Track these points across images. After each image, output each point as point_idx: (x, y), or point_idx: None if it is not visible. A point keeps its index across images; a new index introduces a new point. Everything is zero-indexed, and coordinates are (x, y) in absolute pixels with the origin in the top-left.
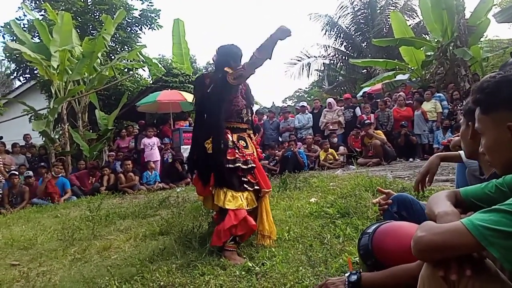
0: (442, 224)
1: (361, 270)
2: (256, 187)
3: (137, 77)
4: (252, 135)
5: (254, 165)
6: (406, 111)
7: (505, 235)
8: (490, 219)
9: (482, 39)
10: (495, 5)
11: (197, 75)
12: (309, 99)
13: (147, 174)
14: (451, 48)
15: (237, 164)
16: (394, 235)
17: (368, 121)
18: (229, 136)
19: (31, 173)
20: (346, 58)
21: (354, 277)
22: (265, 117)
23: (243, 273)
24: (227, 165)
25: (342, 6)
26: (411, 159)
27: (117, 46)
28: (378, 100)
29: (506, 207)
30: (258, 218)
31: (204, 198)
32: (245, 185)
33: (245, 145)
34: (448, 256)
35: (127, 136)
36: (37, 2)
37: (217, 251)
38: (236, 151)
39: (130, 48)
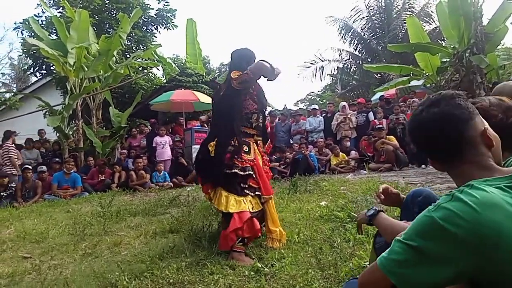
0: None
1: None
2: (258, 193)
3: (151, 76)
4: (259, 142)
5: (251, 172)
6: None
7: (396, 263)
8: (390, 250)
9: (499, 47)
10: None
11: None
12: (321, 102)
13: (156, 174)
14: (467, 55)
15: (234, 170)
16: None
17: (380, 125)
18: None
19: (44, 168)
20: (360, 62)
21: (371, 212)
22: (277, 119)
23: (252, 273)
24: (225, 170)
25: (357, 10)
26: (423, 166)
27: (132, 45)
28: (394, 105)
29: (399, 237)
30: (265, 222)
31: (209, 197)
32: (246, 191)
33: (246, 150)
34: None
35: (138, 134)
36: None
37: (225, 253)
38: (235, 156)
39: (145, 47)
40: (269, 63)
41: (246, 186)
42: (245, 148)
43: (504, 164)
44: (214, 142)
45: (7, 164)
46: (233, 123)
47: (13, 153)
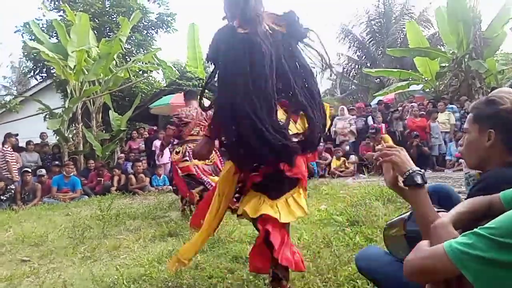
0: (427, 249)
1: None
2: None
3: (151, 80)
4: None
5: None
6: (421, 121)
7: (478, 259)
8: (467, 243)
9: (497, 52)
10: None
11: None
12: None
13: (155, 178)
14: (466, 60)
15: None
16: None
17: (373, 129)
18: None
19: (44, 171)
20: (359, 66)
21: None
22: None
23: (250, 277)
24: None
25: (356, 15)
26: (423, 170)
27: (133, 48)
28: (393, 109)
29: (483, 231)
30: None
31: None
32: None
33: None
34: (433, 279)
35: (137, 138)
36: (56, 2)
37: (223, 254)
38: None
39: (145, 51)
40: None
41: None
42: None
43: None
44: None
45: (4, 168)
46: None
47: (9, 157)
